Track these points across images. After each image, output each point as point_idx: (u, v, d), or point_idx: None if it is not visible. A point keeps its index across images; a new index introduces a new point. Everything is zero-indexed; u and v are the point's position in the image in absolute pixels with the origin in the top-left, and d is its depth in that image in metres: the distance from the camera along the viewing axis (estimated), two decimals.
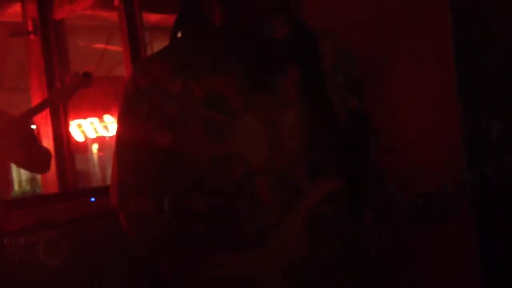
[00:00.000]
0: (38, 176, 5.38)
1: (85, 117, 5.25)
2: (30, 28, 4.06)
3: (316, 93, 1.29)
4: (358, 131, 1.36)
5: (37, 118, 3.95)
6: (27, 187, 6.89)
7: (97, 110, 5.21)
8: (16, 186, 6.99)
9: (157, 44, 4.03)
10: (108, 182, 1.36)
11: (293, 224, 1.24)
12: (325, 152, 1.29)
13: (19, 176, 6.72)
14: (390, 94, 1.97)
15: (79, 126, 5.20)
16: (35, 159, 2.92)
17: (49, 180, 4.37)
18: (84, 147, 5.61)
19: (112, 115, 5.37)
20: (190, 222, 1.32)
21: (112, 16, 4.14)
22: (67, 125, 4.40)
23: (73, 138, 4.84)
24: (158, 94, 1.22)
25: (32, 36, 4.07)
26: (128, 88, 1.27)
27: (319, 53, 1.32)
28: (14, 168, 4.57)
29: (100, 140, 5.75)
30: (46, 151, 2.97)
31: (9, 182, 3.24)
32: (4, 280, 2.59)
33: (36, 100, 4.11)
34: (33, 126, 4.10)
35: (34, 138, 3.00)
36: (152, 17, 3.99)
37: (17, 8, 4.33)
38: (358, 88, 1.38)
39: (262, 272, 1.24)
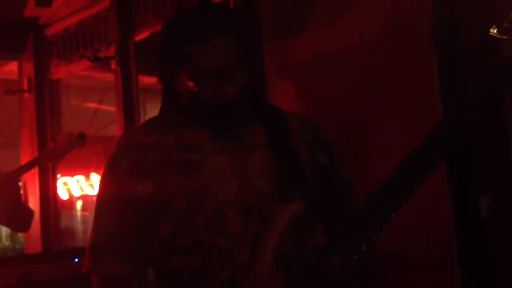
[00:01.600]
0: (20, 233, 5.30)
1: (72, 175, 5.23)
2: (25, 86, 4.11)
3: (281, 139, 1.41)
4: (329, 185, 1.44)
5: (25, 174, 3.93)
6: (7, 243, 6.76)
7: (85, 168, 5.20)
8: None
9: (150, 105, 4.09)
10: None
11: (262, 265, 1.27)
12: (292, 191, 1.36)
13: (0, 231, 6.61)
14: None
15: (65, 184, 5.18)
16: (17, 218, 2.89)
17: (32, 237, 4.31)
18: (69, 204, 5.56)
19: (99, 173, 5.36)
20: (171, 282, 1.35)
21: (106, 76, 4.20)
22: (54, 183, 4.37)
23: (59, 196, 4.81)
24: (137, 148, 1.38)
25: (26, 94, 4.11)
26: (112, 151, 1.43)
27: (281, 111, 1.49)
28: None
29: (85, 198, 5.71)
30: (29, 211, 2.94)
31: None
32: None
33: (26, 156, 4.10)
34: (20, 183, 4.08)
35: (19, 196, 2.98)
36: (146, 80, 4.06)
37: (13, 66, 4.38)
38: (327, 148, 1.49)
39: None
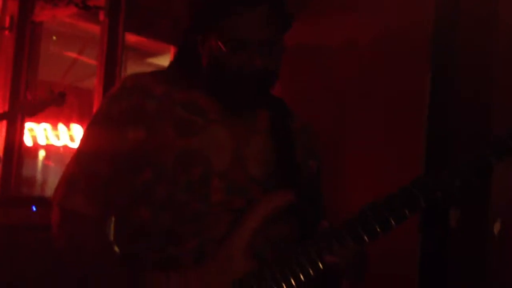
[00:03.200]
0: None
1: (38, 122, 5.10)
2: (7, 24, 3.97)
3: (284, 131, 1.39)
4: (312, 193, 1.42)
5: None
6: None
7: (54, 117, 5.07)
8: None
9: (131, 65, 4.00)
10: (50, 192, 1.38)
11: (237, 242, 1.25)
12: (284, 181, 1.34)
13: None
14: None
15: (31, 130, 5.04)
16: None
17: None
18: (32, 153, 5.44)
19: (67, 126, 5.24)
20: (133, 239, 1.31)
21: (91, 27, 4.08)
22: (22, 129, 4.27)
23: (24, 143, 4.69)
24: (141, 93, 1.33)
25: (6, 32, 3.97)
26: (113, 89, 1.37)
27: (286, 105, 1.47)
28: None
29: (49, 148, 5.59)
30: None
31: None
32: None
33: None
34: None
35: None
36: (131, 38, 3.96)
37: None
38: (318, 158, 1.49)
39: None
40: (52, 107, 3.21)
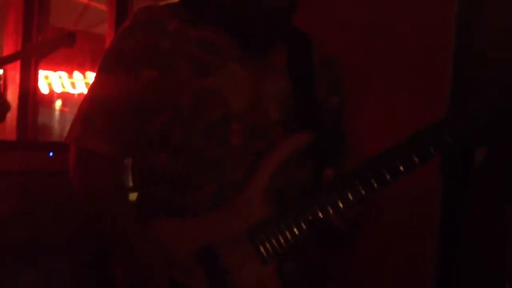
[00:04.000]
0: None
1: (54, 70, 5.11)
2: None
3: (303, 68, 1.33)
4: (333, 132, 1.38)
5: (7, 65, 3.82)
6: None
7: (69, 64, 5.08)
8: None
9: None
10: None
11: (255, 186, 1.23)
12: (303, 121, 1.30)
13: None
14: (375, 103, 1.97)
15: (46, 77, 5.07)
16: None
17: (6, 129, 4.24)
18: (48, 101, 5.47)
19: (82, 72, 5.25)
20: (150, 183, 1.30)
21: None
22: (36, 76, 4.27)
23: (39, 90, 4.71)
24: (154, 29, 1.27)
25: None
26: (126, 23, 1.32)
27: (309, 38, 1.40)
28: None
29: (65, 96, 5.62)
30: (5, 103, 2.92)
31: None
32: None
33: (9, 43, 3.96)
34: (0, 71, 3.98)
35: None
36: None
37: None
38: (341, 93, 1.42)
39: (219, 239, 1.21)
40: (64, 51, 3.18)
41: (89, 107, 1.29)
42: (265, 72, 1.31)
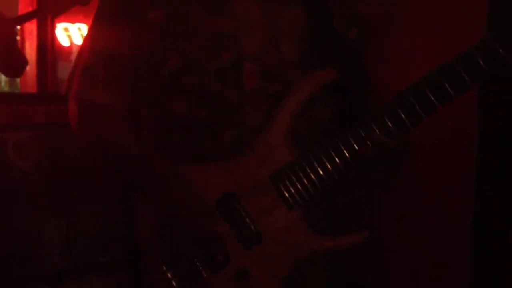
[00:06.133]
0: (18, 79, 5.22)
1: (73, 22, 5.03)
2: None
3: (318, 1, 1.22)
4: (354, 59, 1.29)
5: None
6: (6, 88, 6.77)
7: (87, 16, 5.00)
8: None
9: None
10: None
11: (276, 129, 1.16)
12: (322, 58, 1.21)
13: (0, 76, 6.55)
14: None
15: (66, 29, 5.00)
16: (11, 63, 2.86)
17: (28, 83, 4.23)
18: (67, 55, 5.43)
19: None
20: (167, 132, 1.24)
21: None
22: (53, 28, 4.23)
23: (58, 42, 4.66)
24: None
25: None
26: None
27: None
28: None
29: None
30: (23, 58, 2.92)
31: None
32: None
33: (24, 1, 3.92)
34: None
35: (15, 43, 2.90)
36: None
37: None
38: (360, 20, 1.32)
39: (242, 186, 1.16)
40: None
41: (89, 59, 1.22)
42: (279, 6, 1.22)
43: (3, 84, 6.93)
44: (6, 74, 3.37)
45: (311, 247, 1.17)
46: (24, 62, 3.07)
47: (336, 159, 1.15)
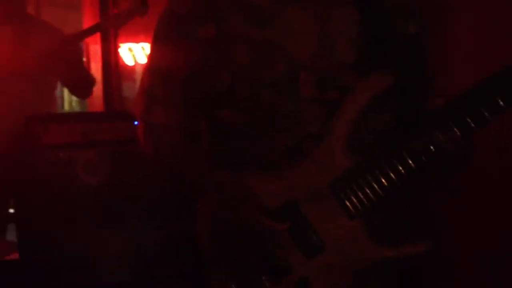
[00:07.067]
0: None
1: (136, 41, 5.17)
2: None
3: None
4: (413, 56, 1.23)
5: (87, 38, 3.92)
6: (77, 108, 7.03)
7: (149, 35, 5.13)
8: (66, 106, 7.13)
9: None
10: None
11: (335, 136, 1.15)
12: (378, 58, 1.17)
13: (70, 95, 6.80)
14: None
15: (130, 49, 5.14)
16: (78, 81, 2.97)
17: (95, 103, 4.38)
18: (131, 74, 5.58)
19: None
20: (223, 143, 1.26)
21: None
22: (116, 47, 4.35)
23: (122, 61, 4.80)
24: None
25: None
26: None
27: None
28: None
29: None
30: (90, 77, 3.03)
31: (53, 97, 3.25)
32: (39, 192, 2.60)
33: (88, 18, 4.07)
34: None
35: (80, 59, 3.02)
36: None
37: None
38: (419, 15, 1.26)
39: (303, 194, 1.14)
40: (143, 22, 3.21)
41: (149, 79, 1.27)
42: (328, 9, 1.20)
43: (74, 104, 7.21)
44: (77, 95, 3.51)
45: (372, 257, 1.14)
46: (92, 82, 3.19)
47: (398, 165, 1.12)
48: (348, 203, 1.14)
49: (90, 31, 3.00)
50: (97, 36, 4.13)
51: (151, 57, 1.30)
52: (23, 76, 2.72)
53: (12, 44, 2.76)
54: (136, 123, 3.81)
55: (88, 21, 4.03)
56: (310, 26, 1.19)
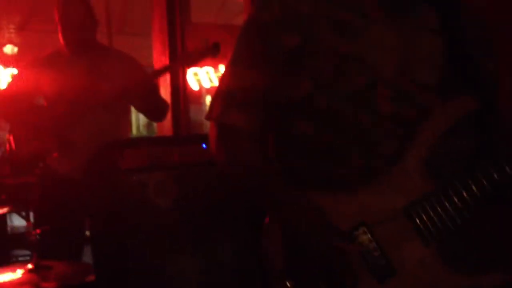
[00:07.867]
0: (154, 123, 5.57)
1: (201, 66, 5.30)
2: None
3: (455, 27, 1.20)
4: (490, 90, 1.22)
5: (157, 64, 4.07)
6: (144, 132, 7.21)
7: (213, 59, 5.25)
8: (134, 130, 7.33)
9: None
10: None
11: (412, 159, 1.13)
12: (459, 86, 1.17)
13: (137, 121, 7.00)
14: None
15: (195, 74, 5.28)
16: (154, 108, 3.08)
17: (164, 127, 4.49)
18: (197, 98, 5.70)
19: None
20: (294, 155, 1.25)
21: None
22: (184, 73, 4.47)
23: (189, 87, 4.92)
24: None
25: None
26: None
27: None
28: (133, 113, 4.76)
29: (213, 90, 5.83)
30: (165, 103, 3.14)
31: (128, 122, 3.37)
32: (116, 215, 2.68)
33: (157, 45, 4.20)
34: None
35: (157, 90, 3.13)
36: None
37: None
38: (494, 52, 1.27)
39: (375, 216, 1.14)
40: None
41: (230, 82, 1.25)
42: (414, 32, 1.20)
43: (141, 128, 7.41)
44: (152, 119, 3.64)
45: (446, 283, 1.12)
46: (166, 106, 3.31)
47: (477, 192, 1.11)
48: (422, 228, 1.13)
49: (163, 71, 3.16)
50: (165, 61, 4.26)
51: (233, 61, 1.27)
52: (99, 105, 2.82)
53: (88, 74, 2.87)
54: (204, 146, 3.89)
55: (157, 47, 4.16)
56: (395, 44, 1.19)
